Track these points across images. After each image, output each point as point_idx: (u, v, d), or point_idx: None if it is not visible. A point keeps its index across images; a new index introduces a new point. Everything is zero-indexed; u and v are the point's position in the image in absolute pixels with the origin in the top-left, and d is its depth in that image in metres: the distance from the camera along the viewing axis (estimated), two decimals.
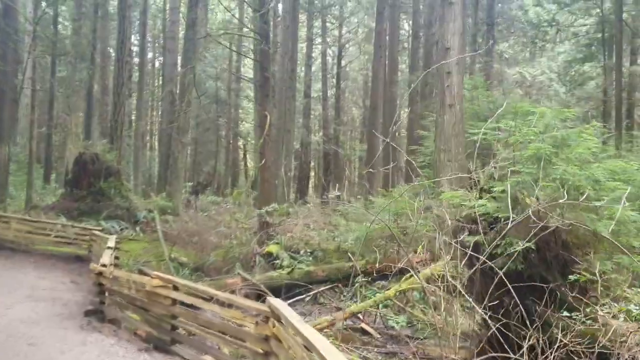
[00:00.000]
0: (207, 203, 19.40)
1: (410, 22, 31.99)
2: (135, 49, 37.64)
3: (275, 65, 21.97)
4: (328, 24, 41.86)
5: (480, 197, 8.02)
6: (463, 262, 8.12)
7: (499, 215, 7.56)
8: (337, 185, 38.62)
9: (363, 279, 11.13)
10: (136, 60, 36.94)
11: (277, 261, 11.95)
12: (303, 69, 38.15)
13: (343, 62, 43.31)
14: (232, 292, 10.17)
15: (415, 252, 12.18)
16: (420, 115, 25.82)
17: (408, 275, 10.06)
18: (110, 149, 17.67)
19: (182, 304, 6.13)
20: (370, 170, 21.69)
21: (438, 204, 12.54)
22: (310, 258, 12.22)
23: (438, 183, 12.65)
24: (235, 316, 4.81)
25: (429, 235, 11.82)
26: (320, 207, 17.33)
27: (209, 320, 5.22)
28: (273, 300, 4.64)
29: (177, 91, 20.63)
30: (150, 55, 43.26)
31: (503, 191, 7.32)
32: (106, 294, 7.78)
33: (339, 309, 10.55)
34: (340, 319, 8.32)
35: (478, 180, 8.60)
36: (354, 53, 45.98)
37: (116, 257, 10.73)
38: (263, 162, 13.16)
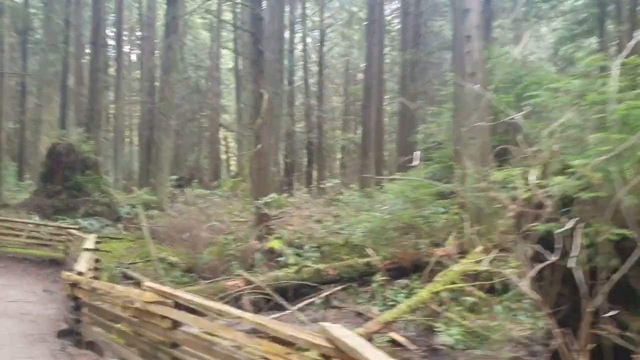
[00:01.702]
0: (194, 196, 17.83)
1: None
2: (111, 42, 35.71)
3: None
4: (308, 11, 40.19)
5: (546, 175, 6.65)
6: (528, 256, 6.74)
7: (581, 196, 6.16)
8: (325, 174, 37.23)
9: (382, 278, 9.72)
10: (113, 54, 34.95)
11: (281, 258, 10.48)
12: (286, 55, 36.49)
13: (325, 49, 41.69)
14: (237, 298, 8.71)
15: (437, 244, 10.82)
16: (411, 97, 24.53)
17: (442, 273, 8.65)
18: (87, 138, 15.97)
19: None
20: (368, 156, 20.33)
21: (461, 187, 11.19)
22: (317, 254, 10.78)
23: (459, 164, 11.25)
24: (271, 351, 3.30)
25: (455, 224, 10.47)
26: (316, 198, 15.87)
27: (230, 355, 3.73)
28: (336, 331, 3.06)
29: (158, 74, 18.92)
30: (127, 48, 41.27)
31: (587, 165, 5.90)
32: (83, 309, 6.25)
33: (359, 314, 9.15)
34: (374, 330, 6.89)
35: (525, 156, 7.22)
36: (335, 40, 44.46)
37: (96, 260, 9.17)
38: (259, 146, 11.62)
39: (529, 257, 6.87)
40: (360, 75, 45.73)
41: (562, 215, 6.45)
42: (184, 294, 4.58)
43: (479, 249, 9.77)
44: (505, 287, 9.16)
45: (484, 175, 11.24)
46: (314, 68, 41.67)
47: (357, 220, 11.80)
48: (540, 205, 6.65)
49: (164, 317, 4.65)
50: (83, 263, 6.79)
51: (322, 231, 11.57)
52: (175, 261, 11.32)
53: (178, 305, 4.65)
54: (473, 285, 8.80)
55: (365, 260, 10.04)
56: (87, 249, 8.16)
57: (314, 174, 35.81)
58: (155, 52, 30.66)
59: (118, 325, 5.51)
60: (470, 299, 8.77)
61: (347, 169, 40.75)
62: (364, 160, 19.84)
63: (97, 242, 10.66)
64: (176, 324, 4.54)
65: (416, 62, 25.37)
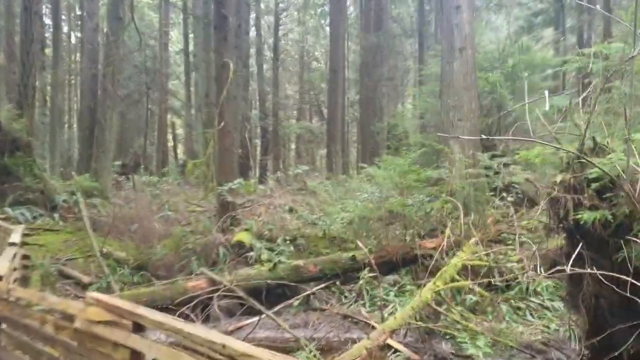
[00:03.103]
0: (142, 183, 16.07)
1: None
2: (47, 21, 32.90)
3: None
4: None
5: (582, 154, 5.47)
6: (561, 249, 5.58)
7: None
8: (280, 163, 35.80)
9: (370, 274, 8.43)
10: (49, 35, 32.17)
11: (251, 254, 9.04)
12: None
13: (279, 34, 40.04)
14: (204, 306, 7.24)
15: (426, 236, 9.63)
16: (374, 84, 23.39)
17: (444, 269, 7.43)
18: (17, 116, 13.95)
19: None
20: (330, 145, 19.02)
21: (450, 173, 10.02)
22: (292, 248, 9.39)
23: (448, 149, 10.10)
24: None
25: (445, 213, 9.28)
26: (284, 186, 14.46)
27: None
28: None
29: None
30: (65, 29, 38.30)
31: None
32: (3, 325, 4.63)
33: (346, 317, 7.82)
34: (382, 341, 5.58)
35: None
36: (290, 25, 43.00)
37: (25, 256, 7.49)
38: (222, 125, 10.10)
39: (564, 253, 5.74)
40: (315, 64, 44.51)
41: (604, 202, 5.35)
42: (150, 313, 3.11)
43: (473, 241, 8.64)
44: (508, 284, 8.09)
45: (474, 160, 10.17)
46: (269, 54, 40.08)
47: (335, 209, 10.47)
48: (578, 190, 5.52)
49: (117, 345, 3.19)
50: (3, 263, 5.14)
51: (296, 222, 10.18)
52: (122, 257, 9.69)
53: (139, 328, 3.19)
54: (476, 283, 7.63)
55: (350, 254, 8.71)
56: (12, 244, 6.47)
57: (269, 163, 34.30)
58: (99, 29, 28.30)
59: (51, 351, 3.97)
60: (471, 298, 7.61)
61: (302, 158, 39.50)
62: (330, 146, 18.54)
63: (28, 235, 8.94)
64: (137, 357, 3.08)
65: (378, 48, 24.21)
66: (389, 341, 6.19)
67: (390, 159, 9.33)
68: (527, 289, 7.84)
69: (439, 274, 7.33)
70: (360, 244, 7.96)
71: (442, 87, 10.83)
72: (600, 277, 5.16)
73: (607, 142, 5.59)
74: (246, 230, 9.68)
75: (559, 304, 7.68)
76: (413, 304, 6.47)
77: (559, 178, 5.53)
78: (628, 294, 4.62)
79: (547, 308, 7.65)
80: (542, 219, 9.20)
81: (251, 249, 9.12)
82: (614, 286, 5.31)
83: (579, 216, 4.98)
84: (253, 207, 11.18)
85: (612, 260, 5.07)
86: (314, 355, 4.82)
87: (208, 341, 2.68)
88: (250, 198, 11.81)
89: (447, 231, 8.29)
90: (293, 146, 44.64)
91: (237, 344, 2.62)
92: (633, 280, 4.26)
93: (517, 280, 7.92)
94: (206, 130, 13.37)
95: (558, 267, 5.45)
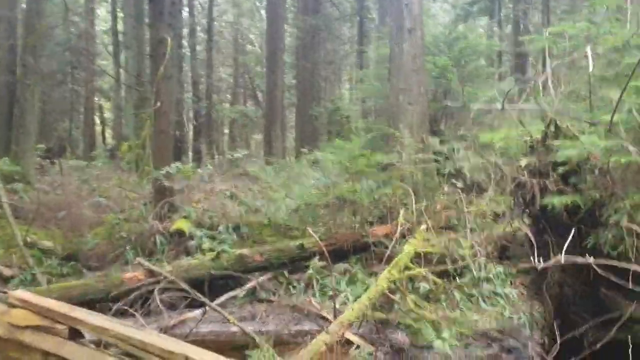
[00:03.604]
0: (69, 168, 15.05)
1: None
2: None
3: None
4: None
5: (548, 137, 5.28)
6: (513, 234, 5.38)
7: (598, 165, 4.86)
8: (214, 148, 34.83)
9: (319, 263, 8.07)
10: None
11: (191, 243, 8.47)
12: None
13: (214, 14, 38.79)
14: (144, 297, 6.65)
15: (376, 223, 9.37)
16: (313, 68, 23.01)
17: (399, 256, 7.15)
18: None
19: None
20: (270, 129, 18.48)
21: (400, 158, 9.78)
22: (234, 236, 8.89)
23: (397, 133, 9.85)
24: None
25: (396, 199, 9.04)
26: (222, 171, 13.85)
27: None
28: None
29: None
30: None
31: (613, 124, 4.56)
32: None
33: (297, 308, 7.41)
34: (340, 335, 5.21)
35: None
36: (224, 6, 41.82)
37: None
38: (158, 104, 9.41)
39: (527, 239, 5.57)
40: (250, 47, 43.51)
41: (568, 186, 5.21)
42: (91, 316, 2.58)
43: (424, 227, 8.44)
44: (460, 271, 7.93)
45: (423, 145, 9.98)
46: (202, 35, 38.79)
47: (279, 196, 10.01)
48: (543, 174, 5.35)
49: (48, 356, 2.64)
50: None
51: (238, 209, 9.66)
52: (50, 247, 8.87)
53: (77, 334, 2.66)
54: (431, 271, 7.42)
55: (298, 242, 8.30)
56: None
57: (203, 147, 33.28)
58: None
59: None
60: (425, 286, 7.39)
61: (237, 143, 38.65)
62: (269, 130, 18.00)
63: None
64: None
65: (316, 31, 23.79)
66: (346, 334, 5.86)
67: (340, 143, 8.96)
68: (479, 275, 7.70)
69: (393, 262, 7.05)
70: (310, 232, 7.55)
71: (391, 69, 10.53)
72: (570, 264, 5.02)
73: (568, 126, 5.46)
74: (185, 217, 9.08)
75: (510, 291, 7.59)
76: (369, 294, 6.15)
77: (524, 162, 5.35)
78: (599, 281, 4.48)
79: (499, 295, 7.54)
80: (494, 205, 9.17)
81: (191, 237, 8.55)
82: (578, 273, 5.21)
83: (549, 201, 4.80)
84: (192, 193, 10.56)
85: (582, 246, 4.94)
86: (272, 355, 4.40)
87: (166, 352, 2.20)
88: (188, 183, 11.16)
89: (401, 217, 8.03)
90: (226, 131, 43.64)
91: (203, 355, 2.16)
92: (617, 263, 4.07)
93: (469, 267, 7.77)
94: (141, 110, 12.57)
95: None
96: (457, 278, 7.76)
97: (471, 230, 8.46)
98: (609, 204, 4.64)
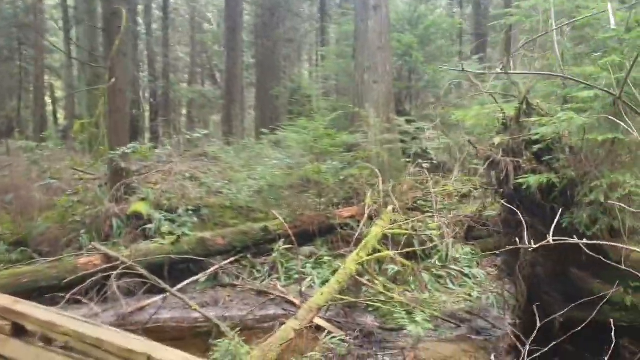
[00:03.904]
0: (18, 149, 14.31)
1: None
2: None
3: None
4: None
5: (521, 114, 5.13)
6: (501, 217, 5.24)
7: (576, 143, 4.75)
8: (171, 128, 33.99)
9: (284, 246, 7.84)
10: None
11: (149, 226, 8.10)
12: None
13: None
14: (100, 284, 6.29)
15: (341, 204, 9.18)
16: (273, 46, 22.51)
17: (367, 238, 6.97)
18: None
19: None
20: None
21: (365, 138, 9.58)
22: (195, 219, 8.55)
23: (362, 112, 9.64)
24: None
25: (362, 180, 8.86)
26: (181, 152, 13.42)
27: None
28: None
29: None
30: None
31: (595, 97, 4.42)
32: None
33: (262, 292, 7.19)
34: (309, 320, 5.00)
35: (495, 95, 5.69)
36: None
37: None
38: (113, 81, 8.93)
39: (502, 220, 5.45)
40: (207, 25, 42.47)
41: (542, 165, 5.09)
42: (37, 310, 2.28)
43: (391, 208, 8.30)
44: (428, 252, 7.84)
45: (389, 125, 9.81)
46: (158, 12, 37.59)
47: (241, 177, 9.69)
48: (517, 153, 5.22)
49: None
50: None
51: (198, 190, 9.30)
52: None
53: (21, 331, 2.35)
54: (400, 253, 7.29)
55: (262, 225, 8.04)
56: None
57: (160, 128, 32.40)
58: None
59: None
60: (393, 268, 7.26)
61: (195, 124, 37.82)
62: (230, 109, 17.54)
63: None
64: None
65: (276, 8, 23.26)
66: (318, 321, 5.67)
67: (304, 122, 8.69)
68: (447, 256, 7.62)
69: (361, 244, 6.88)
70: (275, 214, 7.32)
71: (356, 46, 10.26)
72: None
73: (537, 104, 5.33)
74: (143, 199, 8.68)
75: (477, 271, 7.55)
76: (338, 277, 5.96)
77: (497, 140, 5.18)
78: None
79: (466, 275, 7.49)
80: (460, 186, 9.09)
81: (150, 220, 8.18)
82: (550, 253, 5.12)
83: (524, 180, 4.65)
84: (150, 174, 10.13)
85: (556, 226, 4.83)
86: (238, 343, 4.16)
87: (126, 351, 1.93)
88: (146, 164, 10.74)
89: (368, 199, 7.86)
90: (184, 112, 42.67)
91: (167, 354, 1.90)
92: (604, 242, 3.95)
93: (437, 248, 7.68)
94: (94, 87, 11.98)
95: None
96: (425, 259, 7.67)
97: (438, 211, 8.38)
98: (584, 183, 4.53)
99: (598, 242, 3.65)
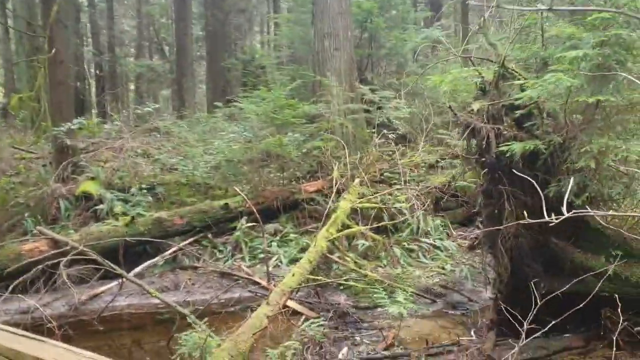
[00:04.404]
0: None
1: None
2: None
3: None
4: None
5: (500, 78, 4.83)
6: (481, 187, 4.94)
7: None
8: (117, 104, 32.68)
9: (246, 224, 7.42)
10: None
11: (100, 207, 7.53)
12: None
13: None
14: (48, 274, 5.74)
15: (305, 178, 8.80)
16: (224, 17, 21.69)
17: (337, 214, 6.63)
18: None
19: None
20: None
21: (328, 109, 9.17)
22: (149, 198, 8.03)
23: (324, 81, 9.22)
24: None
25: (327, 152, 8.49)
26: (131, 127, 12.69)
27: None
28: None
29: None
30: None
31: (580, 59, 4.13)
32: None
33: (226, 274, 6.77)
34: (283, 304, 4.62)
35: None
36: None
37: None
38: (53, 52, 8.21)
39: (482, 191, 5.16)
40: None
41: (521, 130, 4.82)
42: None
43: (357, 182, 7.97)
44: (399, 226, 7.56)
45: (352, 94, 9.43)
46: None
47: (197, 152, 9.14)
48: (497, 119, 4.93)
49: None
50: None
51: (152, 167, 8.74)
52: None
53: None
54: (371, 227, 6.98)
55: (222, 202, 7.58)
56: None
57: (107, 104, 31.08)
58: None
59: None
60: (363, 243, 6.96)
61: (144, 99, 36.51)
62: (181, 82, 16.79)
63: None
64: None
65: None
66: (290, 303, 5.31)
67: (264, 92, 8.20)
68: (418, 229, 7.36)
69: (331, 220, 6.53)
70: (237, 190, 6.87)
71: (315, 12, 9.73)
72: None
73: (513, 68, 5.04)
74: (92, 179, 8.07)
75: (449, 243, 7.33)
76: (309, 256, 5.60)
77: (476, 106, 4.86)
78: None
79: (438, 248, 7.26)
80: (426, 156, 8.82)
81: (100, 201, 7.61)
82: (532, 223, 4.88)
83: (508, 148, 4.36)
84: (99, 151, 9.47)
85: (541, 196, 4.58)
86: (208, 335, 3.75)
87: (13, 352, 1.51)
88: (94, 141, 10.06)
89: (335, 172, 7.49)
90: (132, 87, 41.14)
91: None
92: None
93: (407, 222, 7.41)
94: (32, 57, 11.11)
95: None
96: (395, 233, 7.39)
97: (406, 183, 8.11)
98: (571, 149, 4.28)
99: (589, 212, 3.37)
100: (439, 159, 8.73)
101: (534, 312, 5.01)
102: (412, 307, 4.78)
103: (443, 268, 6.75)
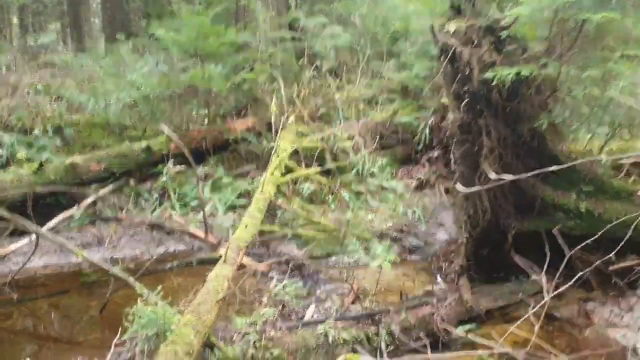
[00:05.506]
0: None
1: None
2: None
3: None
4: None
5: None
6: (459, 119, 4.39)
7: None
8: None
9: (174, 167, 6.55)
10: None
11: (0, 152, 6.37)
12: None
13: None
14: None
15: (234, 115, 7.99)
16: None
17: (282, 155, 5.95)
18: None
19: None
20: None
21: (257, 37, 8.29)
22: (57, 141, 6.92)
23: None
24: None
25: (258, 87, 7.70)
26: (24, 61, 11.07)
27: None
28: None
29: None
30: None
31: None
32: None
33: (155, 226, 5.95)
34: (238, 262, 3.94)
35: None
36: None
37: None
38: None
39: (460, 124, 4.65)
40: None
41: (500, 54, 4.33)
42: None
43: (292, 119, 7.26)
44: (343, 167, 6.98)
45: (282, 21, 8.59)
46: None
47: (108, 88, 7.96)
48: (475, 43, 4.38)
49: None
50: None
51: (56, 106, 7.52)
52: None
53: None
54: (318, 170, 6.38)
55: (144, 144, 6.62)
56: None
57: None
58: None
59: None
60: (308, 187, 6.36)
61: (31, 33, 33.01)
62: (77, 12, 14.96)
63: None
64: None
65: None
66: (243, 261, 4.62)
67: (188, 16, 7.17)
68: (364, 169, 6.83)
69: (273, 162, 5.84)
70: (165, 128, 5.96)
71: None
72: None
73: None
74: None
75: (396, 184, 6.86)
76: (258, 204, 4.92)
77: (451, 27, 4.28)
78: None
79: (386, 189, 6.79)
80: (364, 90, 8.23)
81: None
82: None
83: (499, 73, 3.84)
84: None
85: (525, 129, 4.16)
86: (166, 312, 3.05)
87: None
88: None
89: (273, 106, 6.73)
90: (15, 20, 37.05)
91: None
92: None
93: (352, 162, 6.84)
94: None
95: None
96: (340, 175, 6.81)
97: (345, 119, 7.52)
98: (568, 74, 3.84)
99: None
100: (377, 93, 8.16)
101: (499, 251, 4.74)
102: (393, 259, 4.24)
103: (394, 210, 6.30)
